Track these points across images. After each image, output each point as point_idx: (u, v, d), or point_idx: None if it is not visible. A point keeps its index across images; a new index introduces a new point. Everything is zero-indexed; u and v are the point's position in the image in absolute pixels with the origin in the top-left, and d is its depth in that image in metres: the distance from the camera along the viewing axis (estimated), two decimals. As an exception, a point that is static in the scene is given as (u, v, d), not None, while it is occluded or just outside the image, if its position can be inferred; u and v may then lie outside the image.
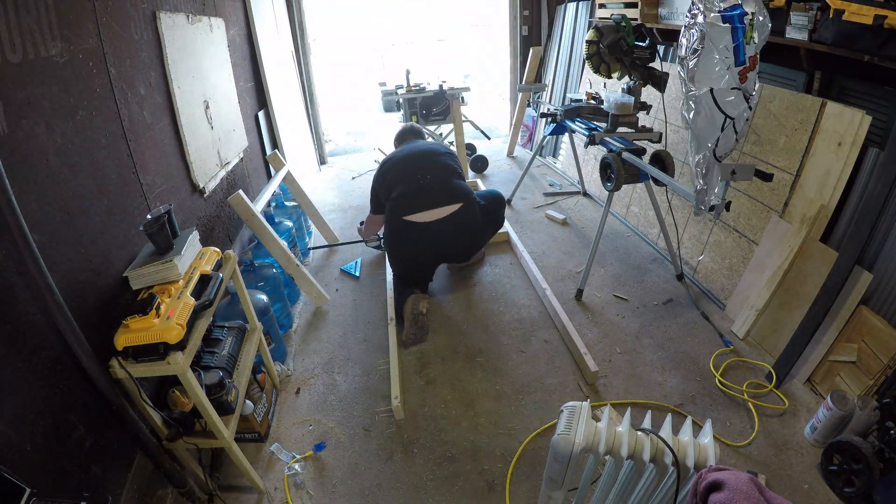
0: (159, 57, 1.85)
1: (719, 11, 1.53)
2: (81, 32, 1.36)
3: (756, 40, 1.54)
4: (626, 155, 2.31)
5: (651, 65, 2.43)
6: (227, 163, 2.47)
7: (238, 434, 1.67)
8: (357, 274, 2.82)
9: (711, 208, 1.79)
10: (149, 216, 1.41)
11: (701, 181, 1.76)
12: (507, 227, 3.14)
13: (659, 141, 2.52)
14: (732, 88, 1.60)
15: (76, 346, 1.11)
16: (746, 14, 1.52)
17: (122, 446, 1.38)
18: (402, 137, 2.84)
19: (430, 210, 2.25)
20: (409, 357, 2.17)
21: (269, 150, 3.22)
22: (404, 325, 2.24)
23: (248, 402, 1.67)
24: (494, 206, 2.56)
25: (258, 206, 2.31)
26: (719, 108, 1.63)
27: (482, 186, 3.82)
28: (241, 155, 2.72)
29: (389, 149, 5.07)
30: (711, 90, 1.61)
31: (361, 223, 2.93)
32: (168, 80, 1.88)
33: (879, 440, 1.46)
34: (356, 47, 10.08)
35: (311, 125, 4.65)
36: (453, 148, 3.19)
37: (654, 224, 2.83)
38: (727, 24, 1.53)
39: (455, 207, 2.27)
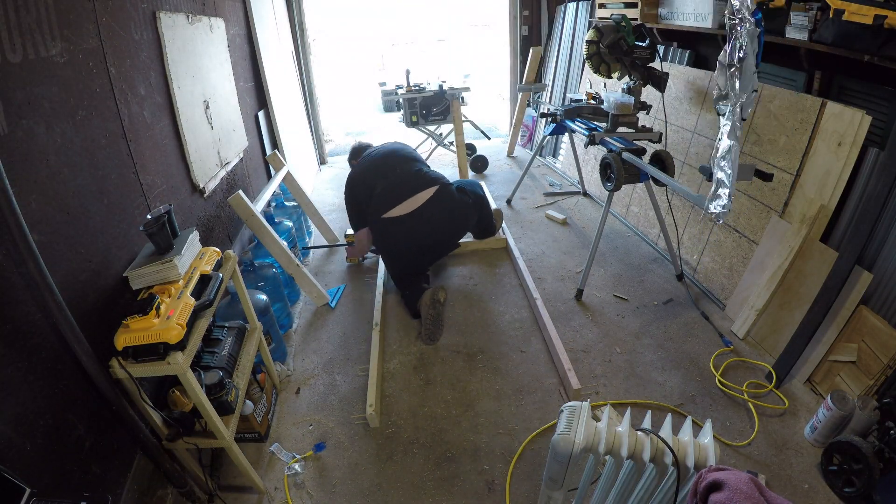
0: (159, 57, 1.85)
1: (752, 16, 1.53)
2: (81, 32, 1.36)
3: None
4: (626, 155, 2.31)
5: (651, 65, 2.43)
6: (227, 163, 2.47)
7: (238, 434, 1.67)
8: (333, 304, 2.56)
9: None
10: (149, 216, 1.41)
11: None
12: (505, 232, 3.12)
13: (659, 141, 2.52)
14: (753, 91, 1.60)
15: (76, 346, 1.11)
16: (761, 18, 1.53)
17: (122, 446, 1.38)
18: (357, 154, 2.84)
19: (407, 200, 2.30)
20: (410, 357, 2.17)
21: (269, 150, 3.22)
22: (421, 321, 2.27)
23: (248, 402, 1.67)
24: (471, 189, 2.61)
25: (258, 207, 2.31)
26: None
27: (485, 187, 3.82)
28: (241, 155, 2.72)
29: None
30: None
31: (349, 241, 2.83)
32: (168, 80, 1.88)
33: (879, 440, 1.46)
34: (356, 47, 10.08)
35: (311, 125, 4.65)
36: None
37: (654, 224, 2.83)
38: (758, 29, 1.53)
39: (431, 191, 2.33)
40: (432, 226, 2.33)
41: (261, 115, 3.21)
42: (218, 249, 1.60)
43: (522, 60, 4.72)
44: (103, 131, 1.44)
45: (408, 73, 4.05)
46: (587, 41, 2.57)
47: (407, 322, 2.40)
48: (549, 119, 3.04)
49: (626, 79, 2.54)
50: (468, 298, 2.56)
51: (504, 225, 3.20)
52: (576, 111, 2.83)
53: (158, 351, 1.21)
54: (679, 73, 2.79)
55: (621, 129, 2.56)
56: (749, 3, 1.51)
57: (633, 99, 2.47)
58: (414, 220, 2.29)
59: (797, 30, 1.92)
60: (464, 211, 2.48)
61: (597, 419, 1.14)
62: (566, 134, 3.70)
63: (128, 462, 1.42)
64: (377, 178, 2.43)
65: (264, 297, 2.00)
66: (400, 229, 2.30)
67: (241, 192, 2.19)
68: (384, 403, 1.93)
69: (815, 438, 1.65)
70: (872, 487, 1.40)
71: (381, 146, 2.68)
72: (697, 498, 0.85)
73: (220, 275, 1.51)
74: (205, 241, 1.68)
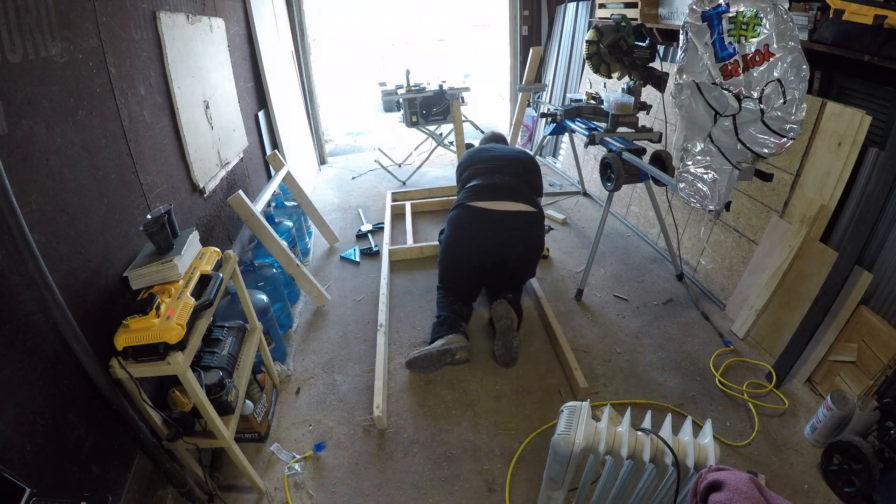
0: (159, 57, 1.85)
1: (702, 11, 1.59)
2: (81, 32, 1.36)
3: (762, 36, 1.53)
4: (626, 155, 2.31)
5: (651, 65, 2.43)
6: (227, 163, 2.47)
7: (238, 434, 1.67)
8: (357, 259, 2.94)
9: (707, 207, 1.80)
10: (149, 216, 1.41)
11: (684, 165, 1.80)
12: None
13: (659, 141, 2.52)
14: (713, 83, 1.62)
15: (76, 345, 1.11)
16: (728, 12, 1.54)
17: (122, 446, 1.38)
18: (486, 140, 2.94)
19: (500, 202, 2.19)
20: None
21: (269, 150, 3.22)
22: (428, 347, 2.06)
23: (248, 402, 1.67)
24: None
25: (258, 207, 2.31)
26: (706, 102, 1.66)
27: None
28: (241, 155, 2.72)
29: (389, 149, 5.11)
30: (696, 82, 1.66)
31: None
32: (168, 80, 1.88)
33: (879, 440, 1.46)
34: (356, 47, 10.09)
35: (311, 125, 4.65)
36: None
37: (654, 224, 2.83)
38: (704, 23, 1.59)
39: (525, 207, 2.20)
40: (515, 234, 2.16)
41: (261, 115, 3.21)
42: (218, 249, 1.60)
43: (522, 60, 4.72)
44: (103, 131, 1.44)
45: (408, 73, 4.05)
46: (587, 41, 2.57)
47: (407, 322, 2.40)
48: (549, 119, 3.04)
49: (626, 79, 2.54)
50: (468, 298, 2.56)
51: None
52: (576, 111, 2.83)
53: (158, 351, 1.20)
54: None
55: (621, 129, 2.56)
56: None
57: (633, 99, 2.47)
58: (500, 218, 2.15)
59: (797, 29, 1.92)
60: (539, 250, 2.33)
61: (597, 419, 1.14)
62: (566, 134, 3.70)
63: (128, 462, 1.42)
64: (480, 173, 2.34)
65: (264, 297, 2.00)
66: (483, 220, 2.16)
67: (241, 192, 2.19)
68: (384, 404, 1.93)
69: (815, 438, 1.65)
70: (872, 487, 1.40)
71: (512, 149, 2.60)
72: (697, 498, 0.85)
73: (220, 275, 1.51)
74: (205, 241, 1.68)
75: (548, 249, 2.94)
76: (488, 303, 2.29)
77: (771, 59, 1.52)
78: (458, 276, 2.28)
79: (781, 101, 1.53)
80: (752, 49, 1.54)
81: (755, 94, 1.56)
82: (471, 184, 2.31)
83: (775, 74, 1.52)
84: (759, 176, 1.75)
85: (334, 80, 8.53)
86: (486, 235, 2.16)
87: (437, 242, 2.74)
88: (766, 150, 1.61)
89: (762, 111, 1.56)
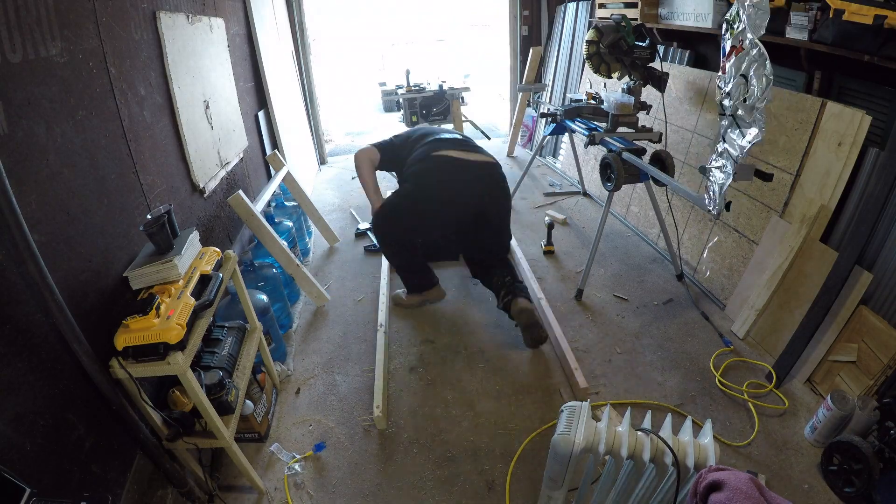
0: (159, 57, 1.85)
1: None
2: (81, 32, 1.36)
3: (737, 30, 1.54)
4: (626, 155, 2.31)
5: (651, 65, 2.44)
6: (227, 163, 2.47)
7: (238, 434, 1.67)
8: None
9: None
10: (149, 216, 1.41)
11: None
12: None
13: (659, 141, 2.52)
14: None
15: (76, 345, 1.11)
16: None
17: (122, 446, 1.38)
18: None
19: (465, 152, 2.13)
20: (410, 357, 2.17)
21: (269, 150, 3.22)
22: (411, 299, 2.42)
23: (248, 402, 1.67)
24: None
25: (258, 207, 2.31)
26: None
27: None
28: (241, 155, 2.72)
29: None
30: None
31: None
32: (168, 80, 1.88)
33: (879, 440, 1.46)
34: (356, 47, 10.09)
35: (311, 125, 4.65)
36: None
37: (654, 224, 2.83)
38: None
39: (488, 159, 2.17)
40: (486, 187, 2.10)
41: (261, 115, 3.21)
42: (218, 249, 1.60)
43: (522, 60, 4.72)
44: (103, 131, 1.44)
45: (408, 73, 4.05)
46: (587, 41, 2.57)
47: (407, 322, 2.40)
48: (549, 119, 3.04)
49: (626, 79, 2.54)
50: (469, 298, 2.56)
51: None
52: (576, 111, 2.83)
53: (158, 351, 1.20)
54: (679, 73, 2.79)
55: (621, 129, 2.56)
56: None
57: (633, 99, 2.47)
58: (471, 166, 2.09)
59: (797, 30, 1.92)
60: (507, 206, 2.28)
61: (597, 419, 1.14)
62: (566, 134, 3.70)
63: (128, 462, 1.42)
64: (428, 134, 2.26)
65: (264, 297, 2.00)
66: (455, 168, 2.06)
67: (241, 192, 2.19)
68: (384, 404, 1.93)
69: (815, 438, 1.65)
70: (872, 487, 1.40)
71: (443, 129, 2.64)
72: (697, 498, 0.85)
73: (220, 275, 1.51)
74: (205, 241, 1.68)
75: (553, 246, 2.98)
76: (472, 277, 2.47)
77: (739, 54, 1.54)
78: (424, 231, 2.28)
79: (743, 98, 1.54)
80: (730, 45, 1.57)
81: (726, 89, 1.58)
82: (425, 141, 2.18)
83: (742, 68, 1.53)
84: (759, 176, 1.75)
85: (334, 80, 8.53)
86: (463, 181, 2.07)
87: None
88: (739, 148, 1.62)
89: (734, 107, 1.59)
